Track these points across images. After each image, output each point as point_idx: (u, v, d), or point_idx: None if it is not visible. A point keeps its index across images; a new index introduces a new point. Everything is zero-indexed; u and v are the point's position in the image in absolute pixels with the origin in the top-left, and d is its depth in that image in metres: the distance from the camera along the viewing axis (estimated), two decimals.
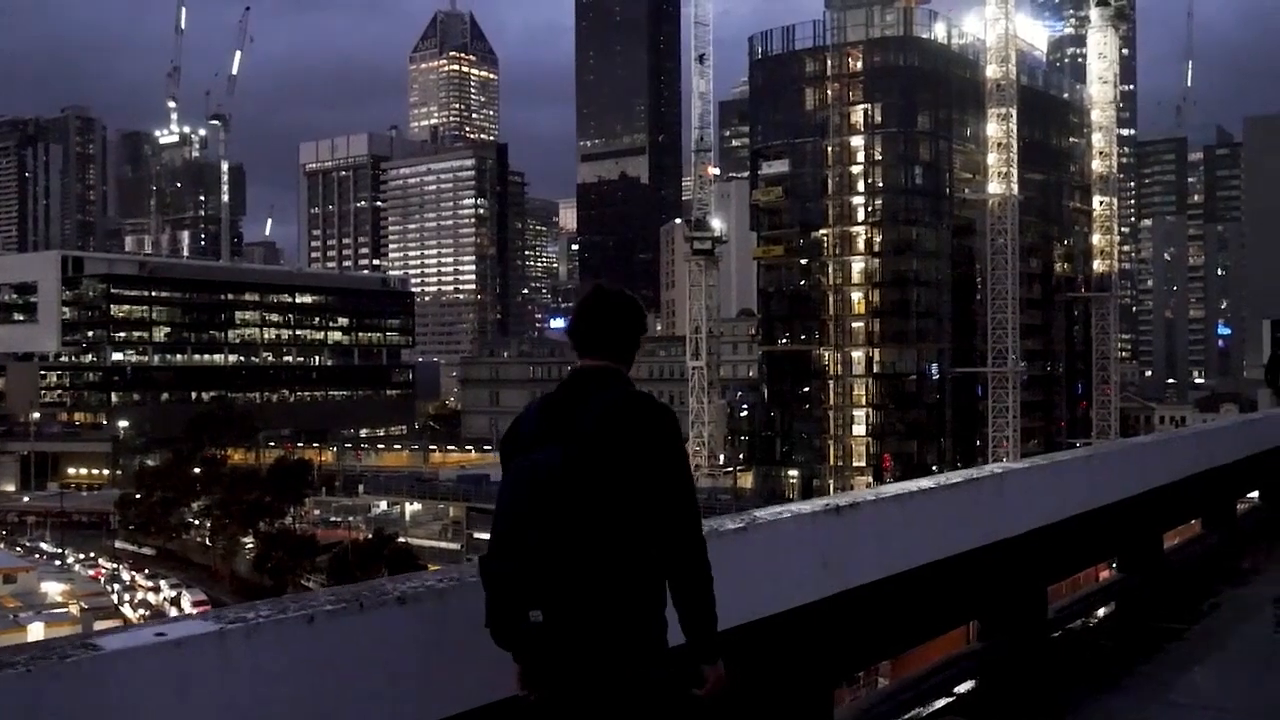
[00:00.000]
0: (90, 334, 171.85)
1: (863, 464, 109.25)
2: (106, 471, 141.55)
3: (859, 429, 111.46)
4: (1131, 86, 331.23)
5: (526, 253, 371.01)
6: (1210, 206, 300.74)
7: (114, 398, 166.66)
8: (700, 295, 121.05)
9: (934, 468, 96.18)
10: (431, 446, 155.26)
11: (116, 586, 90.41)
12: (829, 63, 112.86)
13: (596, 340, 3.49)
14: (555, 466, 3.20)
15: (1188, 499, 10.26)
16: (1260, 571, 10.46)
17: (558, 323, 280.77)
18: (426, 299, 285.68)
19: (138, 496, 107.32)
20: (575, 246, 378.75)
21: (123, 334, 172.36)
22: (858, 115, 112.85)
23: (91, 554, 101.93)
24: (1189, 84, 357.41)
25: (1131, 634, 8.20)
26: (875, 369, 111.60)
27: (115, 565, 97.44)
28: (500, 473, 3.47)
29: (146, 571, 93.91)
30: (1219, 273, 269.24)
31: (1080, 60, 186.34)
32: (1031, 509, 6.78)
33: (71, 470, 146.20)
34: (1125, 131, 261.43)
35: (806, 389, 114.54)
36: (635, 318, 3.56)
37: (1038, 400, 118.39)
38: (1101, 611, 8.54)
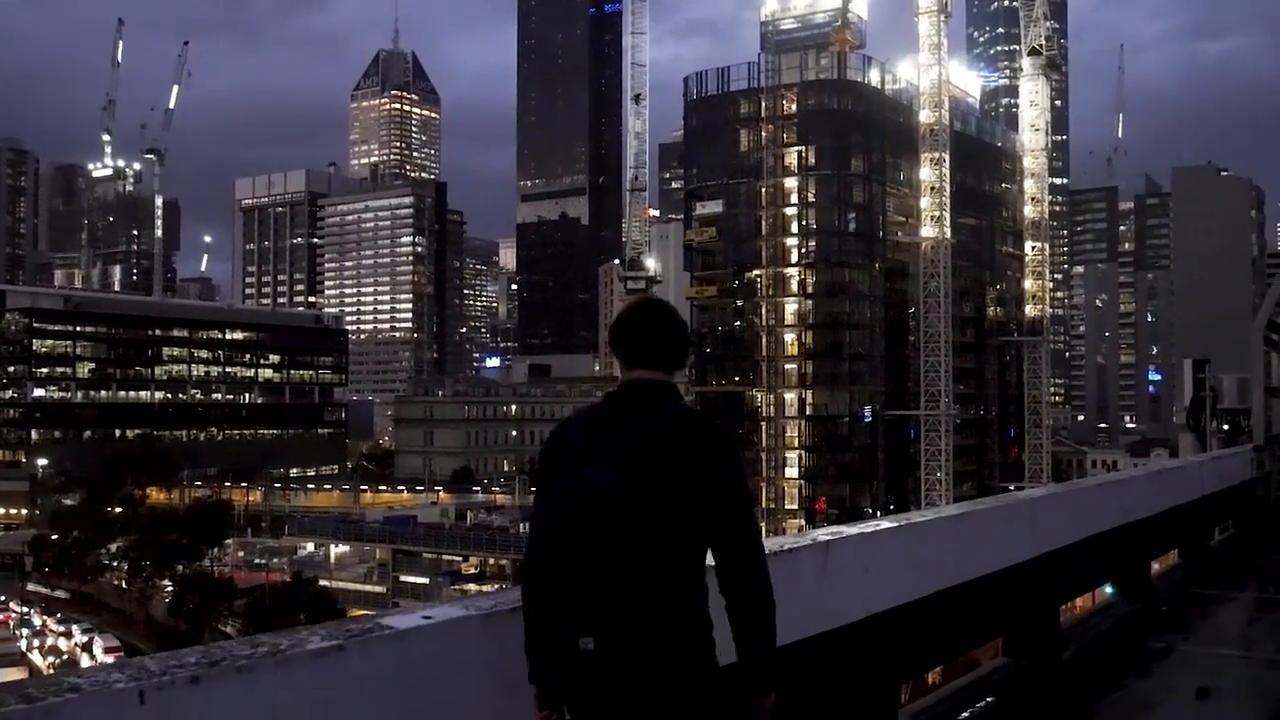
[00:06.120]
0: (11, 369, 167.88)
1: (795, 507, 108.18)
2: (24, 511, 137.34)
3: (792, 471, 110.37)
4: (1064, 137, 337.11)
5: (465, 292, 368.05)
6: (1140, 254, 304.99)
7: (34, 435, 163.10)
8: None
9: (867, 511, 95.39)
10: (363, 486, 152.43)
11: (26, 632, 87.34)
12: (763, 105, 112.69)
13: (649, 352, 3.30)
14: (610, 487, 3.01)
15: (1091, 563, 8.85)
16: (1174, 651, 8.87)
17: (493, 362, 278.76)
18: (363, 337, 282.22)
19: (53, 537, 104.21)
20: (515, 286, 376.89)
21: (45, 369, 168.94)
22: (791, 157, 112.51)
23: (2, 597, 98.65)
24: (1119, 135, 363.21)
25: None
26: (808, 411, 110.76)
27: (26, 609, 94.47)
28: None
29: (59, 616, 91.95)
30: (1149, 319, 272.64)
31: (1014, 110, 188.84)
32: (875, 585, 5.24)
33: None
34: (1058, 180, 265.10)
35: (739, 430, 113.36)
36: (685, 329, 3.41)
37: (970, 444, 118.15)
38: (975, 712, 6.75)
